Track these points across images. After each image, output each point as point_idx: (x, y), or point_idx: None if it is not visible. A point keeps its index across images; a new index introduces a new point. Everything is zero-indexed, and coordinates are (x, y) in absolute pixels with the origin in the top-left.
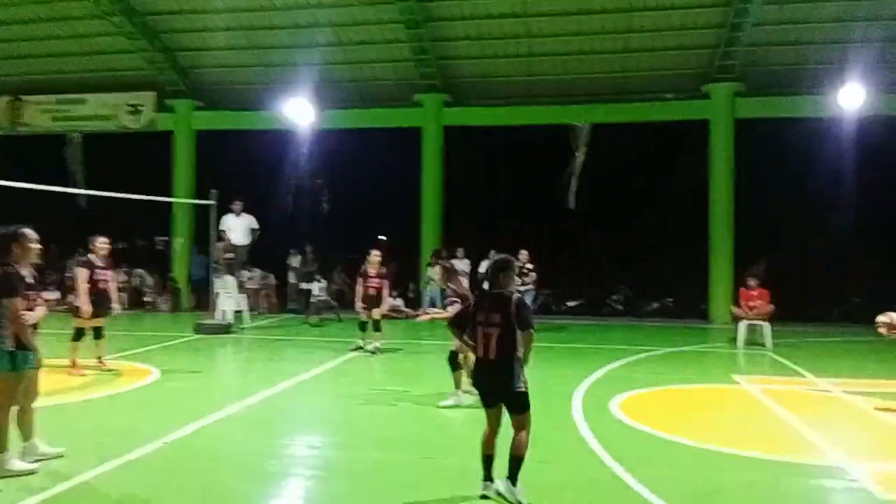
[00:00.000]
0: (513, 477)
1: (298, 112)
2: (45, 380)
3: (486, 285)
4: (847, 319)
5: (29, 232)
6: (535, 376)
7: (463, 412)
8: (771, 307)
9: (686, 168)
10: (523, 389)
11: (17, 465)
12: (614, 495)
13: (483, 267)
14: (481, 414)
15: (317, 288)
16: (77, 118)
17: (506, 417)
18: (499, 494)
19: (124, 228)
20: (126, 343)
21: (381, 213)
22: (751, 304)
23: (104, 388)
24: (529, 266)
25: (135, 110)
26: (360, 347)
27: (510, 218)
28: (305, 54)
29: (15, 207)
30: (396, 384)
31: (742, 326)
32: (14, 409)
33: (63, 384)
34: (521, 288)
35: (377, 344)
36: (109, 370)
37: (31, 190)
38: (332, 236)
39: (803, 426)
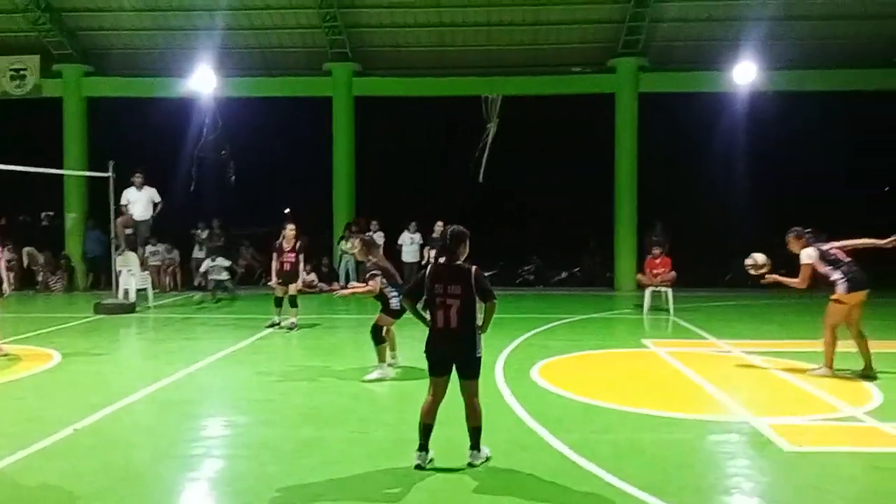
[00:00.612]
0: (476, 446)
1: (200, 80)
2: None
3: (440, 258)
4: (738, 284)
5: None
6: None
7: (388, 385)
8: (673, 274)
9: (593, 141)
10: (481, 355)
11: None
12: (540, 458)
13: (406, 239)
14: (408, 387)
15: (217, 264)
16: None
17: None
18: (471, 465)
19: (8, 203)
20: (20, 326)
21: (290, 186)
22: (655, 271)
23: (2, 374)
24: None
25: (17, 75)
26: (276, 324)
27: (423, 190)
28: (206, 18)
29: None
30: (317, 360)
31: (647, 293)
32: None
33: None
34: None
35: (293, 320)
36: (6, 355)
37: None
38: (238, 210)
39: (710, 385)
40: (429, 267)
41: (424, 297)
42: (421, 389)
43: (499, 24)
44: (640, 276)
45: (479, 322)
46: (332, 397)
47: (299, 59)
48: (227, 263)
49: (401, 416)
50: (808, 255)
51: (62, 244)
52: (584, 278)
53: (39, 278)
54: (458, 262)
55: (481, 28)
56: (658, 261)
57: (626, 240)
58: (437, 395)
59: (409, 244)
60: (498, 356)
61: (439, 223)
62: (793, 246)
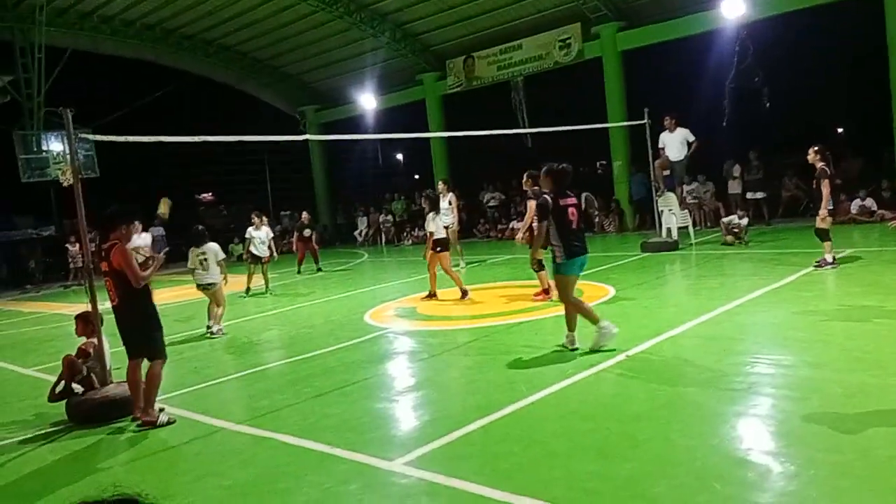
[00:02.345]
0: None
1: (728, 6)
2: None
3: None
4: None
5: None
6: None
7: None
8: None
9: None
10: None
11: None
12: None
13: None
14: None
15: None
16: (516, 63)
17: None
18: None
19: (569, 157)
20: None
21: (835, 104)
22: None
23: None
24: None
25: (564, 44)
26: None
27: None
28: None
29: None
30: (873, 299)
31: None
32: None
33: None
34: None
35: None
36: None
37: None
38: (778, 138)
39: None
40: None
41: None
42: None
43: None
44: None
45: None
46: (885, 342)
47: None
48: (761, 195)
49: None
50: None
51: (612, 189)
52: None
53: (595, 220)
54: None
55: None
56: None
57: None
58: None
59: None
60: None
61: None
62: None
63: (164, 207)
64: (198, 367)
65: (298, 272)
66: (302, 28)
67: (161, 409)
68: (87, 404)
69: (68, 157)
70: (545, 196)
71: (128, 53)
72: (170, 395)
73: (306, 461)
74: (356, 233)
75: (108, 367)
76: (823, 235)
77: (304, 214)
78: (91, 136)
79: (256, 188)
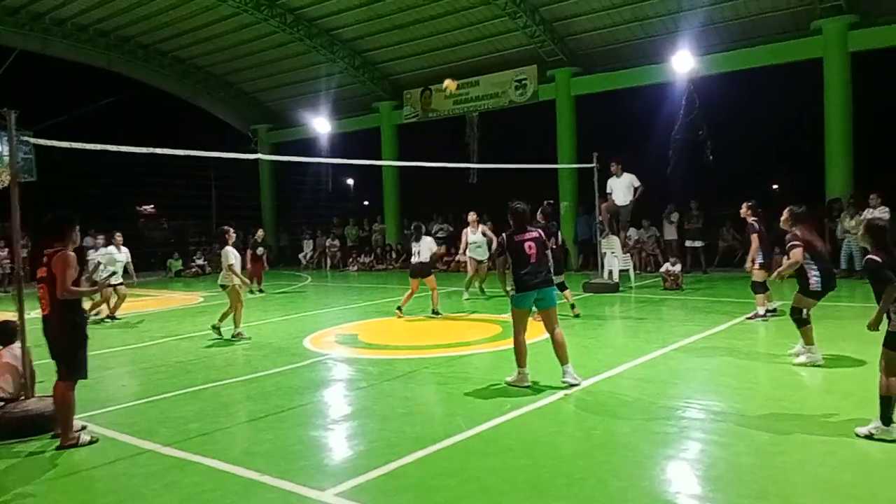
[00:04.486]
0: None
1: (678, 62)
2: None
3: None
4: None
5: None
6: None
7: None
8: None
9: None
10: None
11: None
12: None
13: None
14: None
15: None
16: (473, 99)
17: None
18: None
19: (519, 195)
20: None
21: (774, 161)
22: None
23: (495, 342)
24: None
25: (520, 84)
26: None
27: None
28: (685, 1)
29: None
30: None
31: None
32: None
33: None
34: None
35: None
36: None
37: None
38: (717, 189)
39: None
40: None
41: None
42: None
43: None
44: None
45: None
46: (808, 393)
47: (781, 22)
48: (699, 244)
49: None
50: None
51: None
52: None
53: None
54: None
55: None
56: None
57: None
58: None
59: None
60: None
61: None
62: None
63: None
64: (126, 385)
65: (251, 292)
66: (261, 47)
67: (83, 427)
68: (5, 419)
69: (7, 158)
70: (503, 233)
71: (79, 58)
72: (96, 413)
73: (233, 488)
74: (301, 255)
75: (28, 380)
76: (758, 288)
77: (260, 232)
78: (34, 140)
79: (201, 204)
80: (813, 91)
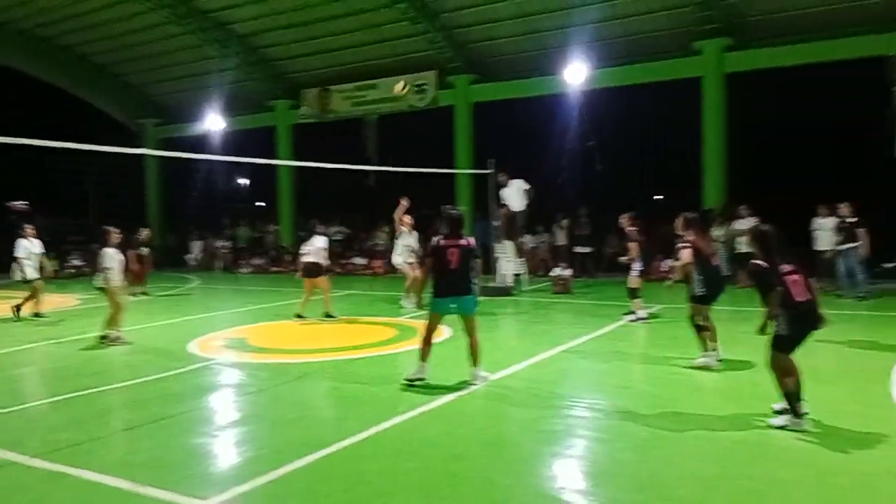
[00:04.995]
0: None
1: (571, 74)
2: None
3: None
4: None
5: None
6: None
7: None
8: None
9: None
10: None
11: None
12: None
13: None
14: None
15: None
16: (372, 102)
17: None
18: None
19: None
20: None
21: (657, 172)
22: None
23: (389, 346)
24: (852, 220)
25: (420, 89)
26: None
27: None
28: (577, 15)
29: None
30: (675, 350)
31: None
32: None
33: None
34: (844, 246)
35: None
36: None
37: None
38: (605, 198)
39: None
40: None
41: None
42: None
43: None
44: None
45: None
46: (683, 391)
47: (665, 42)
48: (587, 250)
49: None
50: None
51: None
52: None
53: None
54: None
55: None
56: None
57: None
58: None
59: (822, 230)
60: None
61: (843, 206)
62: None
63: None
64: None
65: (134, 294)
66: (150, 38)
67: None
68: None
69: None
70: (434, 238)
71: None
72: None
73: (108, 500)
74: (189, 257)
75: None
76: (632, 294)
77: (144, 231)
78: None
79: (79, 201)
80: (693, 108)
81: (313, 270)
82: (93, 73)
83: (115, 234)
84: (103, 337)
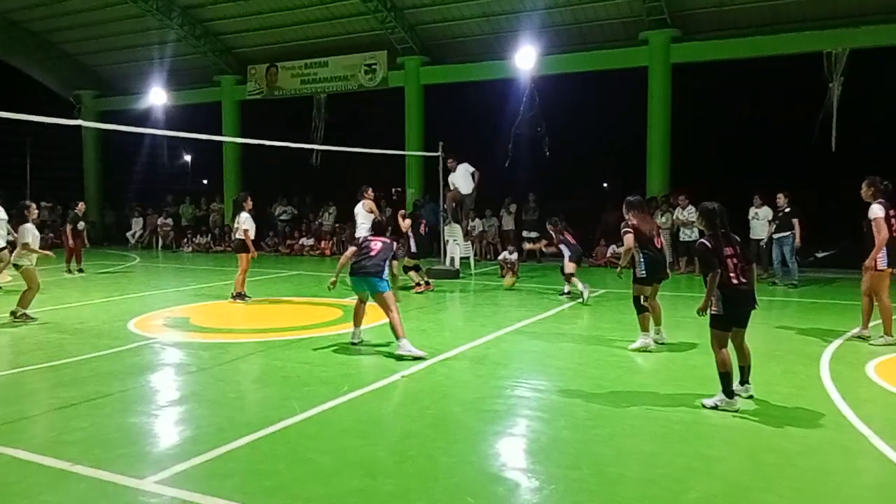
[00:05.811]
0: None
1: (521, 59)
2: None
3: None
4: None
5: None
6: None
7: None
8: None
9: None
10: None
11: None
12: (865, 463)
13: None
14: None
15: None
16: (321, 80)
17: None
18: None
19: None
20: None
21: (604, 160)
22: None
23: (344, 325)
24: (787, 210)
25: (370, 69)
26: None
27: (752, 161)
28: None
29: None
30: (617, 333)
31: None
32: None
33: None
34: (780, 234)
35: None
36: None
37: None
38: (553, 184)
39: None
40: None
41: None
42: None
43: None
44: None
45: None
46: (624, 373)
47: (615, 31)
48: (534, 235)
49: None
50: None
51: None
52: None
53: None
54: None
55: None
56: None
57: None
58: (727, 345)
59: (757, 219)
60: (827, 346)
61: (780, 196)
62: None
63: None
64: None
65: (69, 271)
66: (87, 6)
67: None
68: None
69: None
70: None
71: None
72: None
73: (41, 479)
74: (129, 234)
75: None
76: (568, 279)
77: (80, 205)
78: None
79: (13, 175)
80: (640, 97)
81: (239, 247)
82: (27, 41)
83: (34, 210)
84: (13, 313)
